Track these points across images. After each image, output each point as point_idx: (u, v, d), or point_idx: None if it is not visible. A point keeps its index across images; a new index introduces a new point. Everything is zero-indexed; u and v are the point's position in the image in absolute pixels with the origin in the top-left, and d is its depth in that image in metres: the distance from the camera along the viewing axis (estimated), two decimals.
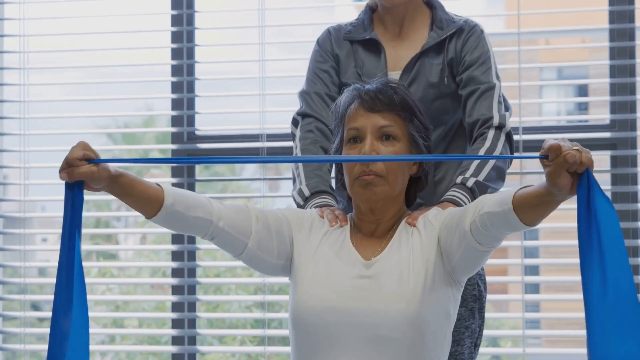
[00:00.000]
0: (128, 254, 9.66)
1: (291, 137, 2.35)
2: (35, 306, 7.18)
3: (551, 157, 1.60)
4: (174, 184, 3.26)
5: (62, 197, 1.75)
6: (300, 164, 2.24)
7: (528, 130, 3.14)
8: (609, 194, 3.04)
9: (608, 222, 1.60)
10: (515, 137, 2.61)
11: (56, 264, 1.74)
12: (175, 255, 3.27)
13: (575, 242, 1.64)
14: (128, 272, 7.38)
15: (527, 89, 3.65)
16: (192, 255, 3.27)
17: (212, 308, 7.15)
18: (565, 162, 1.58)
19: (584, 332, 1.64)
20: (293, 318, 1.91)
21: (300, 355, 1.90)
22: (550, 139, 1.63)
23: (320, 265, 1.92)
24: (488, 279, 2.33)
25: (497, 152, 2.18)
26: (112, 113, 3.67)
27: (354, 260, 1.91)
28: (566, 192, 1.62)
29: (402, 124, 1.94)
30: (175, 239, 3.25)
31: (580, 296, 1.62)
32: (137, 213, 1.89)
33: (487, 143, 2.18)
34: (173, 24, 3.31)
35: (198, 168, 3.40)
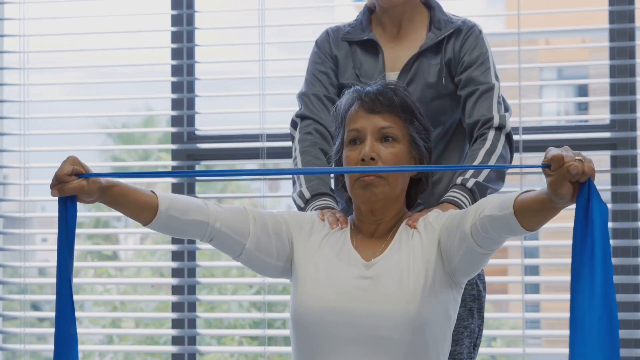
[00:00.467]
0: (128, 254, 9.66)
1: (290, 138, 2.35)
2: (35, 306, 7.18)
3: (554, 167, 1.60)
4: (174, 184, 3.26)
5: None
6: (300, 166, 2.24)
7: (528, 130, 3.14)
8: (609, 194, 3.05)
9: (602, 234, 1.60)
10: (515, 137, 2.60)
11: (56, 263, 1.75)
12: (175, 255, 3.27)
13: None
14: (128, 272, 7.38)
15: (527, 89, 3.64)
16: (192, 255, 3.27)
17: (210, 308, 7.15)
18: (568, 173, 1.58)
19: None
20: (293, 319, 1.91)
21: (301, 355, 1.91)
22: (552, 148, 1.62)
23: (320, 266, 1.92)
24: (488, 279, 2.33)
25: (497, 153, 2.17)
26: (112, 113, 3.67)
27: (354, 261, 1.91)
28: (567, 200, 1.63)
29: (403, 125, 1.94)
30: (175, 239, 3.25)
31: None
32: None
33: (488, 144, 2.18)
34: (173, 24, 3.31)
35: (198, 168, 3.40)
